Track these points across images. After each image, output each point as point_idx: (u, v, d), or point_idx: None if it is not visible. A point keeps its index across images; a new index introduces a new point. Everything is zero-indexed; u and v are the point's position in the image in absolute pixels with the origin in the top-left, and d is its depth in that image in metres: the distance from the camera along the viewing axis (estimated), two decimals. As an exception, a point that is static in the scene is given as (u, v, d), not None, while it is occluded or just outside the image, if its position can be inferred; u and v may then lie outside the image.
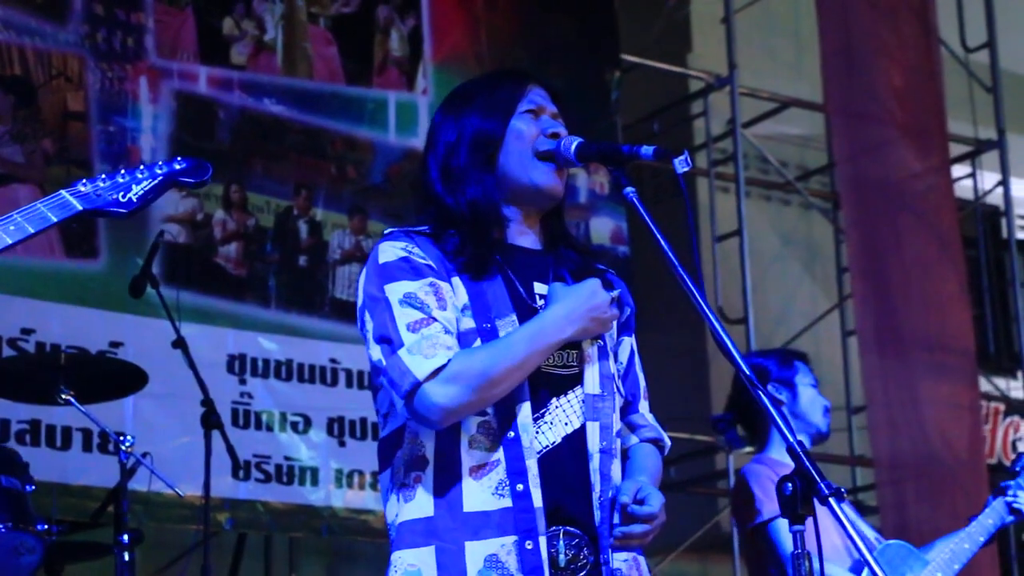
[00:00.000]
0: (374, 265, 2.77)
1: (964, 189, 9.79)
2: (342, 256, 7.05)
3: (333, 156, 7.14)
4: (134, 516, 5.32)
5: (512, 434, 2.68)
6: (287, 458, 6.59)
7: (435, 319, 2.68)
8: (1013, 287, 9.78)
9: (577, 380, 2.77)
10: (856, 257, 8.70)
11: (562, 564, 2.68)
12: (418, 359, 2.64)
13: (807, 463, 2.43)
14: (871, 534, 4.66)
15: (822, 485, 2.41)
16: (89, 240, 6.35)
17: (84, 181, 2.82)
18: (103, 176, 2.86)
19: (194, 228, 6.68)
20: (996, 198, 9.87)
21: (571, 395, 2.75)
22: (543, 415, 2.72)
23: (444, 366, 2.63)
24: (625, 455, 2.90)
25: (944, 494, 8.30)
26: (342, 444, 6.73)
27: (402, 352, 2.65)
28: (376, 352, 2.71)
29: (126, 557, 4.83)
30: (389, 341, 2.68)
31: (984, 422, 10.46)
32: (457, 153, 2.85)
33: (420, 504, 2.70)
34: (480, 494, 2.66)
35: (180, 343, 5.33)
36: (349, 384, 6.82)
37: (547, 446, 2.70)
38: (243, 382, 6.55)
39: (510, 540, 2.64)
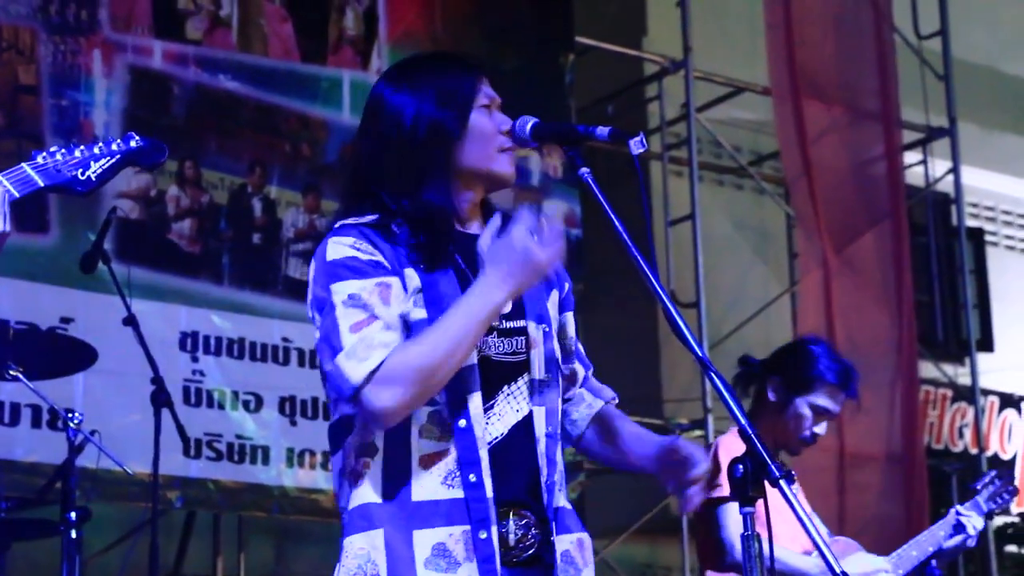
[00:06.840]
0: (322, 262, 2.71)
1: (915, 176, 9.85)
2: (296, 234, 7.02)
3: (288, 134, 7.12)
4: (82, 494, 5.29)
5: (464, 423, 2.66)
6: (238, 436, 6.57)
7: (377, 317, 2.63)
8: (962, 274, 9.85)
9: (525, 367, 2.76)
10: (805, 243, 8.74)
11: (512, 543, 2.69)
12: (353, 364, 2.60)
13: (758, 445, 2.45)
14: (823, 529, 4.65)
15: (772, 467, 2.43)
16: (40, 215, 6.30)
17: (43, 154, 2.79)
18: (61, 150, 2.83)
19: (147, 204, 6.64)
20: (947, 185, 9.93)
21: (520, 381, 2.75)
22: (492, 405, 2.71)
23: (378, 367, 2.59)
24: (599, 419, 2.92)
25: (877, 485, 8.37)
26: (293, 423, 6.72)
27: (340, 358, 2.61)
28: (323, 354, 2.67)
29: (73, 535, 4.81)
30: (331, 346, 2.64)
31: (932, 408, 10.56)
32: (411, 147, 2.74)
33: (369, 491, 2.68)
34: (429, 483, 2.65)
35: (131, 320, 5.30)
36: (301, 363, 6.80)
37: (496, 437, 2.70)
38: (195, 360, 6.53)
39: (459, 529, 2.64)
